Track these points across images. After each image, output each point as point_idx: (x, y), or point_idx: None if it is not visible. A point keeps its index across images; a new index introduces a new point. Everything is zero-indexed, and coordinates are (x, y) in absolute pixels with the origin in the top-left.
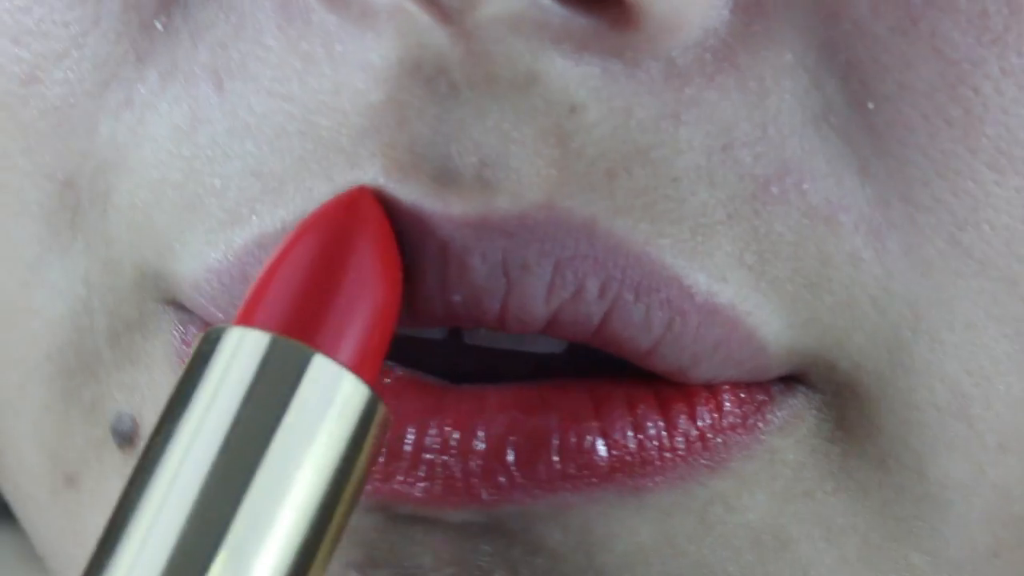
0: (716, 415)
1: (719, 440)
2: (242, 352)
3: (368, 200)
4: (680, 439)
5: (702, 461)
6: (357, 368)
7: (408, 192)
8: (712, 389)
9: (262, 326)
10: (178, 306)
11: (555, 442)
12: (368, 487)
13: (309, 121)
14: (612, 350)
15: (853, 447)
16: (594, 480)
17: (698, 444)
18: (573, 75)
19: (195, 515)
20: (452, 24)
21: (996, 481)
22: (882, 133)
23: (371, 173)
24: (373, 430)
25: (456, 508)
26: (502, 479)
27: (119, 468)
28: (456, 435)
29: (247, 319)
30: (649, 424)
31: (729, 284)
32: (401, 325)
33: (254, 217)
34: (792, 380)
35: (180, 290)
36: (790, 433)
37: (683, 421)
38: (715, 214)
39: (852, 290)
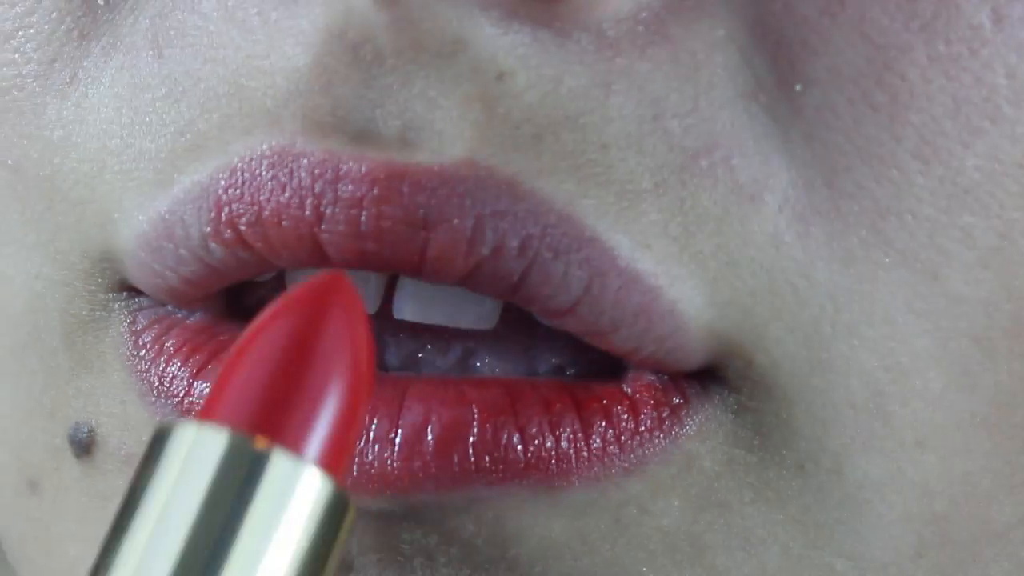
0: (632, 418)
1: (635, 443)
2: (198, 452)
3: (343, 284)
4: (596, 440)
5: (618, 463)
6: (325, 463)
7: (325, 147)
8: (632, 388)
9: (222, 421)
10: (128, 290)
11: (472, 436)
12: None
13: (238, 83)
14: (535, 308)
15: (771, 455)
16: (508, 475)
17: (614, 446)
18: (502, 43)
19: None
20: None
21: (916, 479)
22: (809, 116)
23: (289, 132)
24: (343, 529)
25: (373, 495)
26: (417, 466)
27: (78, 479)
28: (375, 423)
29: (208, 413)
30: (565, 424)
31: (652, 251)
32: (314, 266)
33: (177, 176)
34: (708, 379)
35: (122, 265)
36: (707, 438)
37: (599, 422)
38: (642, 182)
39: (773, 274)
